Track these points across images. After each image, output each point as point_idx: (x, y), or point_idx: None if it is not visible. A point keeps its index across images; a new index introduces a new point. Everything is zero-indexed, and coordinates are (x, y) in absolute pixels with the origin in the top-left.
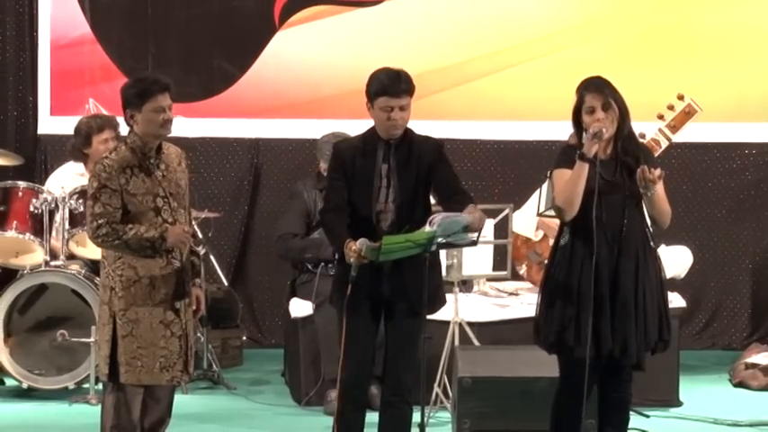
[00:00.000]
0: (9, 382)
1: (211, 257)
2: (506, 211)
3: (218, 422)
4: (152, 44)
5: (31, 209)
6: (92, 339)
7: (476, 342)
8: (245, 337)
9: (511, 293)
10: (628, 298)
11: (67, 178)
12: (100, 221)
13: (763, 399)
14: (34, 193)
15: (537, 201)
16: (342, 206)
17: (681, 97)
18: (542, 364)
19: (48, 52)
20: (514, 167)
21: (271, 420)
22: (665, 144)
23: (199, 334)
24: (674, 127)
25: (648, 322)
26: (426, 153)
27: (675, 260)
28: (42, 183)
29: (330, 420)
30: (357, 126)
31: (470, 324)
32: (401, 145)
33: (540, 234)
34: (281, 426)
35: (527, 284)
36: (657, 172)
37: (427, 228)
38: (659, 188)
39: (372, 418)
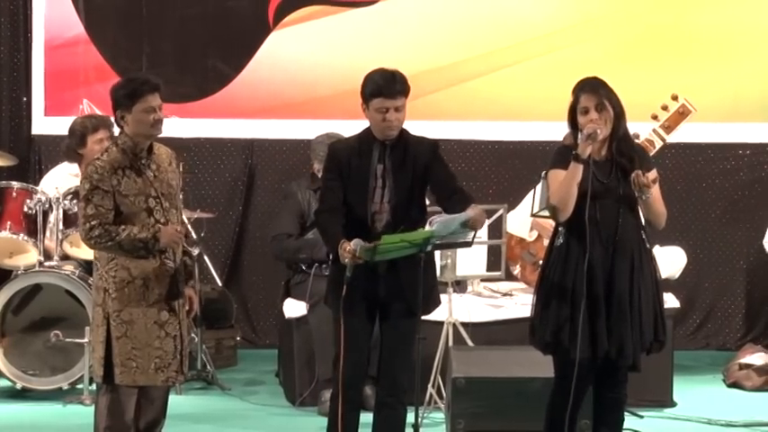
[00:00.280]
0: (3, 382)
1: (205, 258)
2: (500, 212)
3: (212, 422)
4: (146, 44)
5: (25, 209)
6: (86, 340)
7: (470, 342)
8: (239, 338)
9: (505, 294)
10: (623, 298)
11: (62, 179)
12: (92, 223)
13: (757, 399)
14: (28, 193)
15: (531, 201)
16: (337, 207)
17: (675, 97)
18: (536, 365)
19: (42, 52)
20: (509, 168)
21: (265, 421)
22: (659, 144)
23: (193, 334)
24: (669, 127)
25: (644, 322)
26: (422, 153)
27: (669, 260)
28: (36, 183)
29: (324, 421)
30: (352, 126)
31: (464, 324)
32: (397, 145)
33: (535, 234)
34: (275, 426)
35: (521, 285)
36: (652, 176)
37: (426, 227)
38: (654, 191)
39: (367, 418)
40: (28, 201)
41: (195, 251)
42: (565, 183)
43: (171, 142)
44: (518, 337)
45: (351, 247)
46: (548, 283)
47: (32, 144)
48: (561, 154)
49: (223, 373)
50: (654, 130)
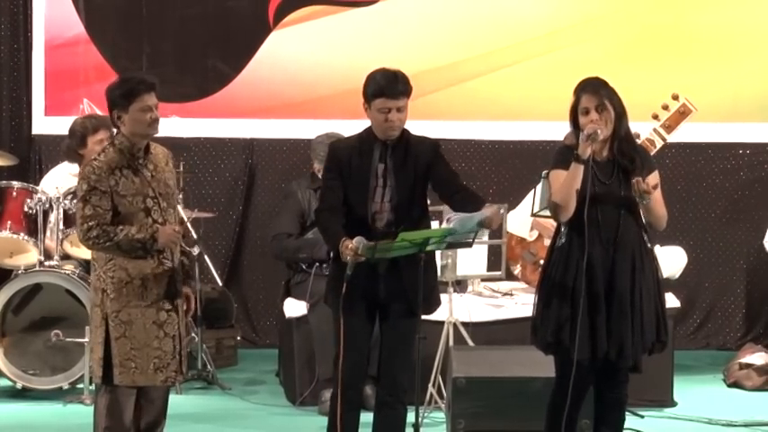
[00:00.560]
0: (3, 382)
1: (206, 257)
2: (501, 212)
3: (212, 422)
4: (146, 44)
5: (26, 209)
6: (86, 339)
7: (470, 342)
8: (239, 337)
9: (505, 294)
10: (624, 298)
11: (62, 178)
12: (90, 224)
13: (758, 399)
14: (28, 193)
15: (531, 201)
16: (337, 206)
17: (676, 97)
18: (537, 365)
19: (42, 52)
20: (509, 168)
21: (265, 420)
22: (659, 144)
23: (193, 334)
24: (669, 127)
25: (645, 323)
26: (423, 153)
27: (670, 260)
28: (37, 183)
29: (325, 420)
30: (352, 126)
31: (465, 324)
32: (398, 145)
33: (535, 234)
34: (275, 426)
35: (521, 285)
36: (652, 182)
37: (444, 225)
38: (656, 194)
39: (367, 418)
40: (28, 200)
41: (195, 251)
42: (566, 183)
43: (171, 142)
44: (518, 336)
45: (353, 245)
46: (549, 283)
47: (33, 144)
48: (562, 154)
49: (223, 372)
50: (654, 130)
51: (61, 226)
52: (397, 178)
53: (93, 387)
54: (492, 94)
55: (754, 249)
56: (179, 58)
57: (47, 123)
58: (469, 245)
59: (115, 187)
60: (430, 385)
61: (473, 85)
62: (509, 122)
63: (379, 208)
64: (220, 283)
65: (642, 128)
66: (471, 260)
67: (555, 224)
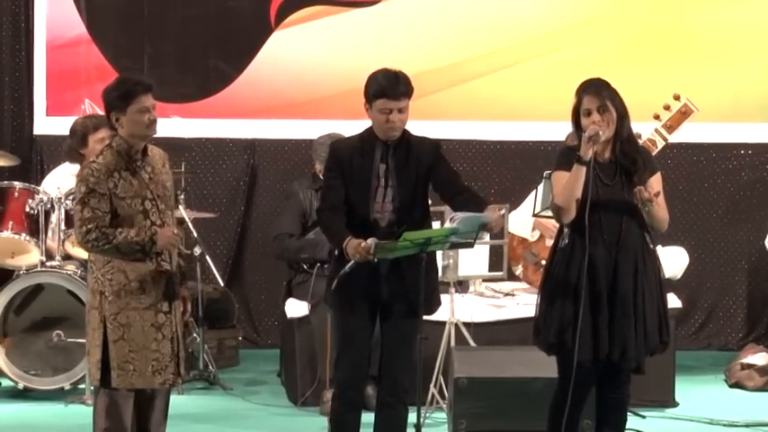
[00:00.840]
0: (5, 382)
1: (207, 258)
2: (503, 212)
3: (213, 422)
4: (148, 44)
5: (27, 209)
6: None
7: (472, 342)
8: (241, 338)
9: (507, 294)
10: (627, 299)
11: (63, 179)
12: (89, 226)
13: (759, 399)
14: (30, 193)
15: (533, 201)
16: (339, 205)
17: (677, 97)
18: (539, 365)
19: (43, 53)
20: (510, 168)
21: (267, 421)
22: (661, 144)
23: (195, 334)
24: (671, 127)
25: (648, 324)
26: (425, 154)
27: (671, 261)
28: (38, 183)
29: (326, 421)
30: (353, 127)
31: (466, 324)
32: (399, 146)
33: (537, 234)
34: (277, 426)
35: (523, 285)
36: (655, 188)
37: (447, 224)
38: (659, 199)
39: (368, 418)
40: (30, 201)
41: (197, 251)
42: (568, 185)
43: (172, 142)
44: (520, 337)
45: (366, 245)
46: (552, 284)
47: (34, 144)
48: (565, 155)
49: (225, 373)
50: (656, 130)
51: (63, 226)
52: (398, 179)
53: (93, 388)
54: (493, 95)
55: (756, 250)
56: (180, 58)
57: (48, 124)
58: (471, 245)
59: (114, 189)
60: (431, 385)
61: (474, 86)
62: (510, 123)
63: (381, 208)
64: (222, 284)
65: (643, 128)
66: (473, 260)
67: (557, 225)
